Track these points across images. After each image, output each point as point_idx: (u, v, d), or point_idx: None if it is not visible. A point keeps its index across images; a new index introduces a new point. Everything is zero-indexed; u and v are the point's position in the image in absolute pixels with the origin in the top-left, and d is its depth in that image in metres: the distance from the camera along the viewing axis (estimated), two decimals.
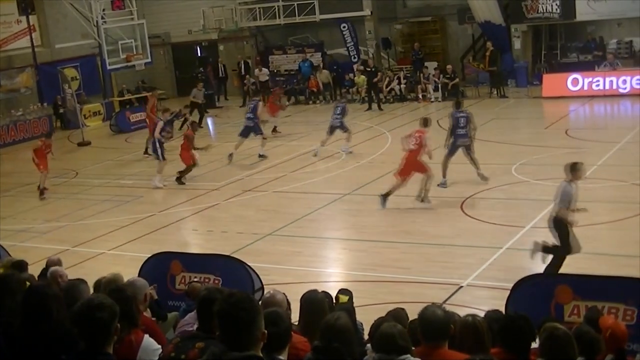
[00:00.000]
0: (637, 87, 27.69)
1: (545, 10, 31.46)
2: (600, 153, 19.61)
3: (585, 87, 28.52)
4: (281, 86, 33.96)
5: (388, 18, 36.43)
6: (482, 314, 7.04)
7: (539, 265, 12.16)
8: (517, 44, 33.09)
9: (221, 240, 15.67)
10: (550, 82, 29.39)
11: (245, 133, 23.03)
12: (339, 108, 22.87)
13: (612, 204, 15.61)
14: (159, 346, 6.08)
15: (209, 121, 32.97)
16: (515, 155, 20.19)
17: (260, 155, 22.78)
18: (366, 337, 7.08)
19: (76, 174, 23.82)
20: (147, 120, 25.66)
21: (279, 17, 35.98)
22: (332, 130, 22.58)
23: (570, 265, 11.80)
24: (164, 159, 20.52)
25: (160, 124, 21.00)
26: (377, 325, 6.23)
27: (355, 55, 35.28)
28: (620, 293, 9.23)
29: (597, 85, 28.40)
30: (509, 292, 9.45)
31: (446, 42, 36.57)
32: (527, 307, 8.90)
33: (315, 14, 35.14)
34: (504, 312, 8.25)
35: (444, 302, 10.96)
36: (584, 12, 30.78)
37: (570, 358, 5.93)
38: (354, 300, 8.30)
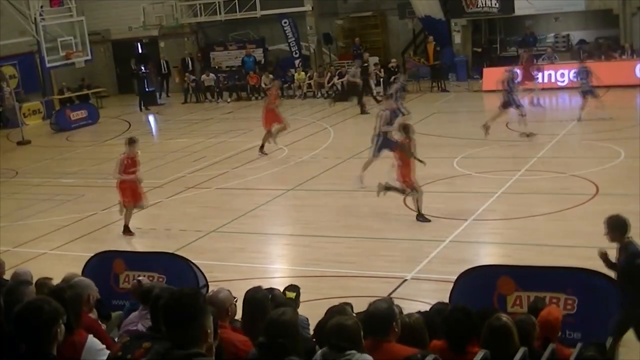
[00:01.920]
0: (574, 80, 28.16)
1: (484, 5, 31.84)
2: (539, 145, 19.93)
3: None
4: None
5: (329, 13, 36.52)
6: (427, 307, 7.11)
7: (482, 257, 12.33)
8: (457, 39, 33.45)
9: (164, 238, 15.55)
10: (490, 75, 29.69)
11: None
12: None
13: (551, 195, 15.85)
14: (103, 346, 6.02)
15: (151, 118, 32.72)
16: (456, 148, 20.39)
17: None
18: (312, 332, 7.09)
19: (16, 174, 23.41)
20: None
21: (220, 13, 35.79)
22: None
23: (512, 256, 11.99)
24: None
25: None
26: (324, 321, 6.23)
27: (297, 51, 35.30)
28: (561, 283, 9.42)
29: (542, 78, 28.83)
30: (452, 284, 9.57)
31: (387, 37, 36.77)
32: (471, 299, 9.01)
33: (256, 10, 35.04)
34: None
35: (388, 295, 11.03)
36: (522, 6, 31.25)
37: (510, 348, 6.02)
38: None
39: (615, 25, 30.69)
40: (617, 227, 8.48)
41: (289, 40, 35.45)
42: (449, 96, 30.27)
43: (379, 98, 28.58)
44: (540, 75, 28.07)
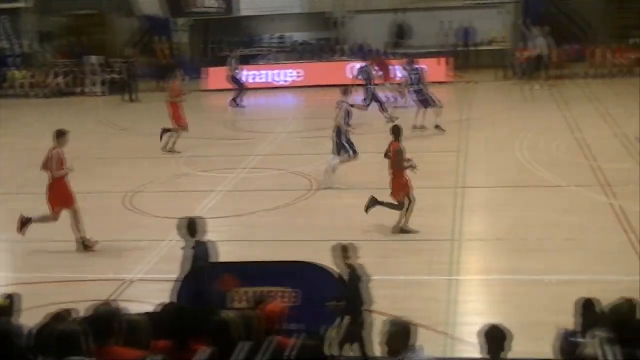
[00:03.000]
0: (293, 79, 29.32)
1: (207, 5, 32.16)
2: (259, 143, 20.49)
3: (249, 80, 29.51)
4: None
5: (48, 10, 35.11)
6: (152, 308, 7.12)
7: None
8: (183, 38, 33.53)
9: None
10: (215, 75, 30.10)
11: None
12: None
13: (271, 192, 16.38)
14: None
15: None
16: (182, 148, 20.41)
17: None
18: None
19: None
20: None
21: None
22: None
23: (233, 253, 12.22)
24: None
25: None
26: (43, 328, 6.07)
27: (14, 49, 33.67)
28: (284, 277, 9.77)
29: (260, 78, 29.64)
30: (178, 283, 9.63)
31: (110, 35, 36.02)
32: (196, 296, 9.16)
33: None
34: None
35: (111, 298, 10.91)
36: (244, 7, 31.93)
37: (233, 343, 6.19)
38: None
39: (333, 27, 32.21)
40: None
41: (5, 38, 33.68)
42: None
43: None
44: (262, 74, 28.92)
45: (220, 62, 31.28)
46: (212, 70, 30.75)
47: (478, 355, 9.26)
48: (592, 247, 12.42)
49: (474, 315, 10.56)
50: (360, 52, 30.39)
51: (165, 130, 20.17)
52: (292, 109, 24.28)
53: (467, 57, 31.04)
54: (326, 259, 11.23)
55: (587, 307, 7.51)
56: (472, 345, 9.46)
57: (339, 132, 16.35)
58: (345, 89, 17.08)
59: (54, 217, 13.59)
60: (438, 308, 10.62)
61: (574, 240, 12.73)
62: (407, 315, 9.55)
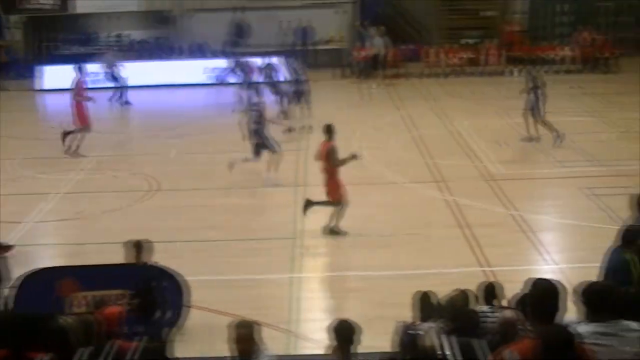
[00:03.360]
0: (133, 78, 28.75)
1: (41, 2, 31.12)
2: (101, 144, 20.00)
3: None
4: None
5: None
6: None
7: (45, 259, 12.10)
8: (16, 35, 32.28)
9: None
10: (51, 74, 29.12)
11: None
12: None
13: (112, 193, 16.07)
14: None
15: None
16: (19, 150, 19.66)
17: None
18: None
19: None
20: None
21: None
22: None
23: (72, 257, 11.93)
24: None
25: None
26: None
27: None
28: (123, 279, 9.62)
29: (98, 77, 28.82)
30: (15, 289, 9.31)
31: None
32: (34, 303, 8.89)
33: None
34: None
35: None
36: (80, 4, 31.08)
37: (72, 348, 6.06)
38: None
39: (171, 25, 31.88)
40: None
41: None
42: (10, 94, 28.98)
43: None
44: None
45: (56, 60, 30.29)
46: (48, 69, 29.71)
47: (321, 352, 9.47)
48: (429, 242, 12.86)
49: (317, 312, 10.75)
50: (200, 51, 30.19)
51: (67, 133, 19.34)
52: (133, 109, 23.86)
53: (305, 56, 31.46)
54: (169, 261, 11.18)
55: (424, 300, 7.80)
56: (315, 341, 9.65)
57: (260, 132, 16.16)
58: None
59: None
60: (282, 306, 10.72)
61: (413, 235, 13.12)
62: (251, 314, 9.67)
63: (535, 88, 18.87)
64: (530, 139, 18.70)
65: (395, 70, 29.51)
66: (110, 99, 25.98)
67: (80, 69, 19.81)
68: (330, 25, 31.53)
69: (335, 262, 12.39)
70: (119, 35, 32.87)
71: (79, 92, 19.62)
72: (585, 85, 26.30)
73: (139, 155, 19.08)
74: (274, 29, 31.11)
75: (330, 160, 13.22)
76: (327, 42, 31.57)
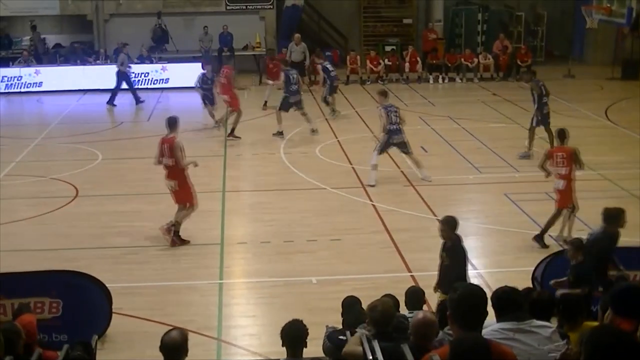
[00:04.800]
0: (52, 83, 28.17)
1: None
2: (18, 149, 19.61)
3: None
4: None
5: None
6: None
7: None
8: None
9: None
10: None
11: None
12: None
13: (32, 199, 15.77)
14: None
15: None
16: None
17: None
18: None
19: None
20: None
21: None
22: None
23: None
24: None
25: None
26: None
27: None
28: (45, 287, 9.49)
29: (15, 81, 28.16)
30: None
31: None
32: None
33: None
34: None
35: None
36: None
37: None
38: None
39: (89, 30, 31.35)
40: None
41: None
42: None
43: None
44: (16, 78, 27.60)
45: None
46: None
47: (250, 357, 9.50)
48: (355, 247, 12.98)
49: (242, 318, 10.75)
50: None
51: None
52: (54, 114, 23.43)
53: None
54: (91, 267, 11.07)
55: (352, 305, 7.89)
56: (241, 347, 9.67)
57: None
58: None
59: None
60: (208, 312, 10.70)
61: (338, 240, 13.23)
62: (176, 321, 9.65)
63: (541, 97, 17.94)
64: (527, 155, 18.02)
65: (314, 76, 29.44)
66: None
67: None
68: (250, 32, 31.33)
69: (260, 268, 12.38)
70: (34, 40, 31.98)
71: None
72: (500, 92, 26.82)
73: (58, 161, 18.72)
74: (196, 34, 30.82)
75: (176, 158, 12.87)
76: (246, 47, 31.37)
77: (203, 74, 21.94)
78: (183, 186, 13.06)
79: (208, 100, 21.95)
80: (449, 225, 9.50)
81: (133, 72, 26.80)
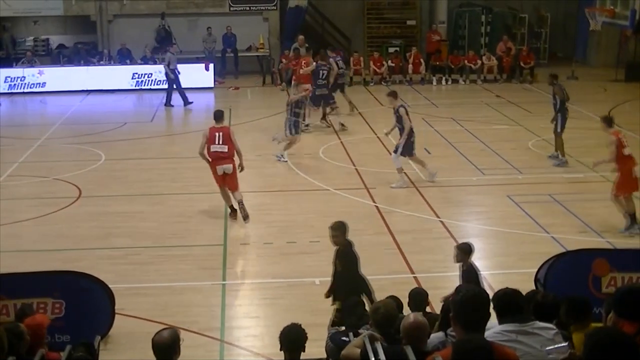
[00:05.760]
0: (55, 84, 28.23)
1: None
2: (21, 150, 19.63)
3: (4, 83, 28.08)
4: None
5: None
6: None
7: None
8: None
9: None
10: None
11: None
12: None
13: (35, 200, 15.77)
14: None
15: None
16: None
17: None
18: None
19: None
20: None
21: None
22: None
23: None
24: None
25: None
26: None
27: None
28: (48, 287, 9.49)
29: (19, 81, 28.23)
30: None
31: None
32: None
33: None
34: None
35: None
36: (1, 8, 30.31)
37: None
38: None
39: (93, 31, 31.37)
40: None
41: None
42: None
43: None
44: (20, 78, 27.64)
45: None
46: None
47: (253, 359, 9.49)
48: (358, 248, 12.87)
49: (245, 319, 10.75)
50: (129, 55, 29.69)
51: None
52: (57, 114, 23.46)
53: (232, 63, 31.25)
54: (94, 268, 11.08)
55: (356, 306, 7.89)
56: (244, 349, 9.67)
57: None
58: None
59: None
60: (211, 313, 10.69)
61: None
62: (179, 322, 9.65)
63: (564, 102, 17.74)
64: (558, 158, 17.81)
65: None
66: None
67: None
68: (254, 33, 31.37)
69: (262, 270, 12.38)
70: (42, 40, 32.03)
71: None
72: (504, 94, 26.82)
73: (61, 162, 18.73)
74: (199, 35, 30.84)
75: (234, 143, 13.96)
76: (249, 48, 31.39)
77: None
78: (235, 170, 14.06)
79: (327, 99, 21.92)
80: (340, 231, 9.36)
81: (178, 72, 26.20)
